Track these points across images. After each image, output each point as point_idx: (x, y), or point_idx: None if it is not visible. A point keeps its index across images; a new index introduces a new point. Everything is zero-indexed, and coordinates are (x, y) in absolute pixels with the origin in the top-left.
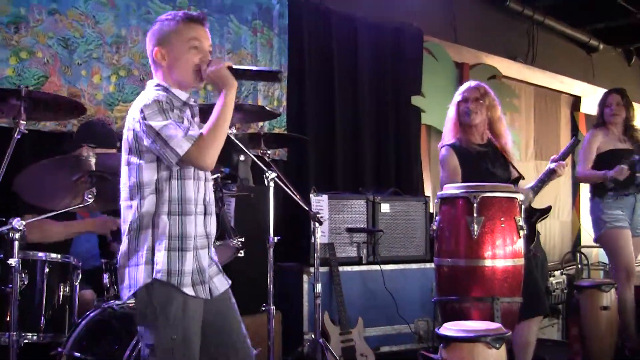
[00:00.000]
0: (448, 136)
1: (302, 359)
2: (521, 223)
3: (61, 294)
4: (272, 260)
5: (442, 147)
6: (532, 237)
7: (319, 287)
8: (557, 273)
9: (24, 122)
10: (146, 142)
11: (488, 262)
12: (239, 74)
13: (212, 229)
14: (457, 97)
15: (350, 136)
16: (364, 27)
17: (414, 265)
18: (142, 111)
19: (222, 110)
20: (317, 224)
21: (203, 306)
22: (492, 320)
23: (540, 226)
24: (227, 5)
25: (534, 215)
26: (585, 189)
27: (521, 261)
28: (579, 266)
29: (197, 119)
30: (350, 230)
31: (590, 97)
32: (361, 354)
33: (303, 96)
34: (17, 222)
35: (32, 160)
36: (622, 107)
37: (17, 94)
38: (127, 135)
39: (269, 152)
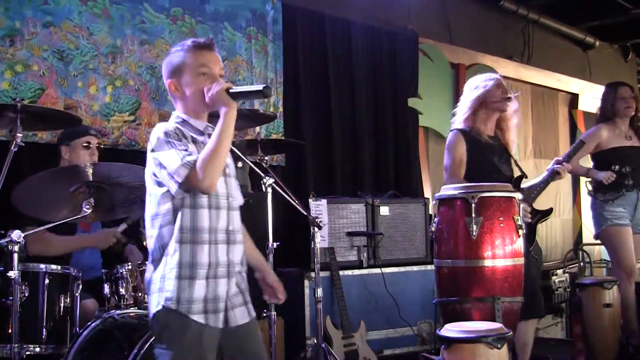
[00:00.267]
0: (459, 119)
1: None
2: (520, 222)
3: (62, 305)
4: (272, 266)
5: (450, 131)
6: (531, 238)
7: (319, 291)
8: (559, 271)
9: (20, 135)
10: (155, 172)
11: (488, 262)
12: (234, 95)
13: (236, 257)
14: (490, 82)
15: (348, 140)
16: (359, 31)
17: (415, 268)
18: (151, 143)
19: (220, 131)
20: (316, 229)
21: (220, 336)
22: (494, 320)
23: (541, 225)
24: (221, 13)
25: (535, 217)
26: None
27: (521, 260)
28: (582, 264)
29: None
30: (350, 234)
31: (588, 94)
32: (364, 357)
33: (299, 101)
34: (16, 235)
35: (30, 172)
36: (634, 100)
37: (13, 107)
38: (147, 166)
39: (266, 158)
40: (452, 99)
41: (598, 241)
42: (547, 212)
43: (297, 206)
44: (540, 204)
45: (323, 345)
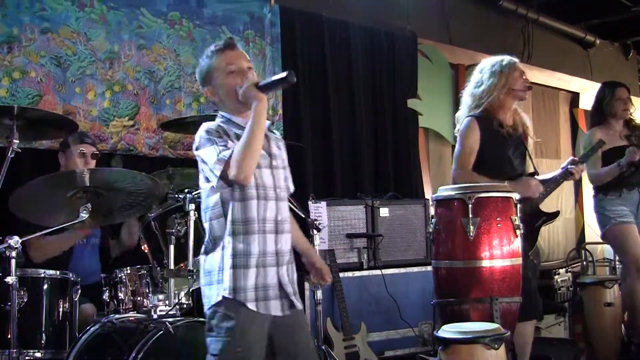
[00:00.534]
0: (476, 103)
1: None
2: (517, 222)
3: (61, 310)
4: None
5: (466, 117)
6: (532, 242)
7: (319, 293)
8: (562, 271)
9: (17, 141)
10: (201, 168)
11: (485, 263)
12: (263, 88)
13: (284, 246)
14: (513, 68)
15: (348, 142)
16: (358, 32)
17: (415, 269)
18: (195, 142)
19: (251, 125)
20: (315, 231)
21: (270, 325)
22: (492, 320)
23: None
24: (218, 17)
25: (540, 219)
26: (587, 186)
27: (519, 261)
28: (584, 263)
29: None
30: (349, 235)
31: (589, 93)
32: (365, 359)
33: (298, 104)
34: (14, 240)
35: (31, 178)
36: (630, 101)
37: (9, 113)
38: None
39: None
40: (451, 99)
41: (601, 240)
42: (553, 215)
43: (296, 209)
44: (543, 203)
45: (324, 348)
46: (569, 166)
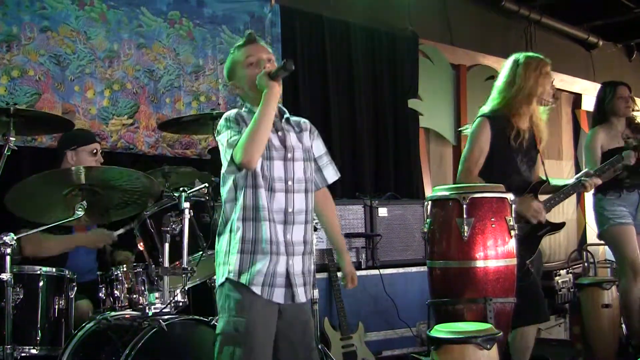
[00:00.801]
0: (497, 101)
1: None
2: (512, 223)
3: (57, 307)
4: None
5: (478, 117)
6: (532, 250)
7: (316, 293)
8: (562, 272)
9: (14, 139)
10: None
11: (480, 263)
12: (272, 76)
13: (295, 237)
14: (546, 75)
15: (348, 142)
16: (358, 33)
17: (413, 269)
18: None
19: (259, 111)
20: (313, 230)
21: (277, 312)
22: (486, 321)
23: None
24: (219, 16)
25: (544, 228)
26: None
27: (513, 261)
28: (586, 264)
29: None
30: (348, 235)
31: (591, 94)
32: (363, 358)
33: (298, 104)
34: (8, 237)
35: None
36: (632, 100)
37: (6, 111)
38: None
39: None
40: (452, 100)
41: (602, 241)
42: (558, 226)
43: None
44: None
45: (321, 347)
46: (582, 178)
